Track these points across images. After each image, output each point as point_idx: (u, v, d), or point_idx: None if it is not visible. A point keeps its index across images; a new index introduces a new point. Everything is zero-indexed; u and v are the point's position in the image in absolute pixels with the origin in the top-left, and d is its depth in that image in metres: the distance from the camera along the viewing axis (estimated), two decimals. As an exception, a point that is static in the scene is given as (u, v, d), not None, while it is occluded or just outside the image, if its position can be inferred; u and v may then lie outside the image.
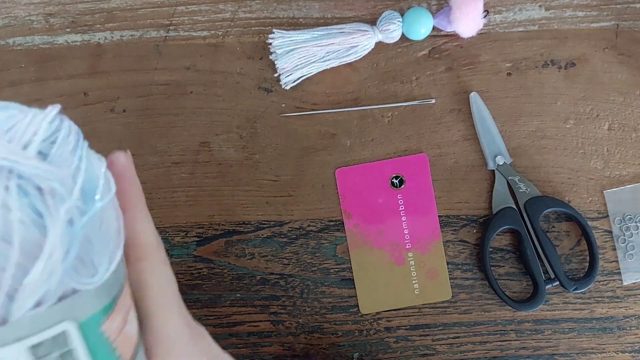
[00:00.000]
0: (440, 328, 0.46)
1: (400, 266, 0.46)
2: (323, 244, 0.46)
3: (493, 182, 0.46)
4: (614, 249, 0.46)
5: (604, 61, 0.46)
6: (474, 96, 0.45)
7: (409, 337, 0.46)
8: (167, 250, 0.46)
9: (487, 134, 0.45)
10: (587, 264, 0.45)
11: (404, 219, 0.46)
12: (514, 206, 0.45)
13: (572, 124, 0.46)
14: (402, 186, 0.46)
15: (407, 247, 0.46)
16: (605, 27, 0.46)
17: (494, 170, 0.46)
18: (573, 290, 0.44)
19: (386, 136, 0.46)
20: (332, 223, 0.46)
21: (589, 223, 0.46)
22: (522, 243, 0.45)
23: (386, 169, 0.46)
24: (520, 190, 0.45)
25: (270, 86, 0.46)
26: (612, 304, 0.46)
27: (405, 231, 0.46)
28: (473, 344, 0.46)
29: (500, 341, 0.46)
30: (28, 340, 0.19)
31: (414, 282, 0.46)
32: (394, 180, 0.46)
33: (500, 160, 0.45)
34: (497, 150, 0.45)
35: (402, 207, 0.46)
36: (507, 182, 0.45)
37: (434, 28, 0.45)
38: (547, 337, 0.46)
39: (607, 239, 0.46)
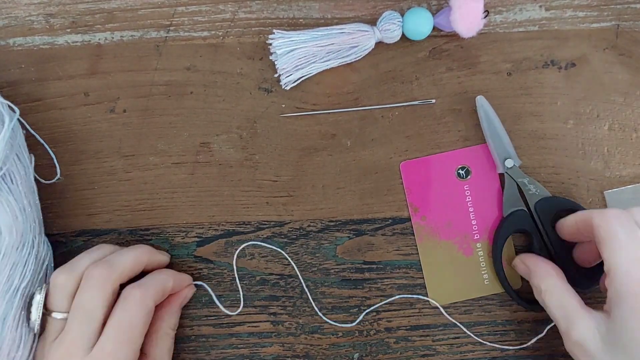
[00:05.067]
0: (440, 328, 0.46)
1: (469, 257, 0.46)
2: (323, 244, 0.46)
3: (503, 185, 0.46)
4: (615, 250, 0.46)
5: (604, 61, 0.46)
6: (480, 100, 0.45)
7: (409, 338, 0.46)
8: (167, 251, 0.46)
9: (495, 137, 0.45)
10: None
11: (471, 209, 0.46)
12: (525, 208, 0.45)
13: (572, 124, 0.46)
14: (469, 177, 0.46)
15: (476, 237, 0.46)
16: (606, 27, 0.46)
17: (503, 173, 0.45)
18: (587, 288, 0.43)
19: (386, 136, 0.46)
20: (332, 223, 0.46)
21: (589, 223, 0.46)
22: (534, 244, 0.44)
23: (451, 160, 0.46)
24: (530, 192, 0.44)
25: (270, 86, 0.46)
26: (612, 304, 0.46)
27: (473, 222, 0.46)
28: (473, 344, 0.46)
29: (500, 342, 0.46)
30: None
31: (483, 272, 0.46)
32: (460, 171, 0.46)
33: (509, 163, 0.44)
34: (506, 154, 0.45)
35: (469, 198, 0.46)
36: (517, 184, 0.45)
37: (434, 28, 0.45)
38: (547, 338, 0.46)
39: (608, 240, 0.46)
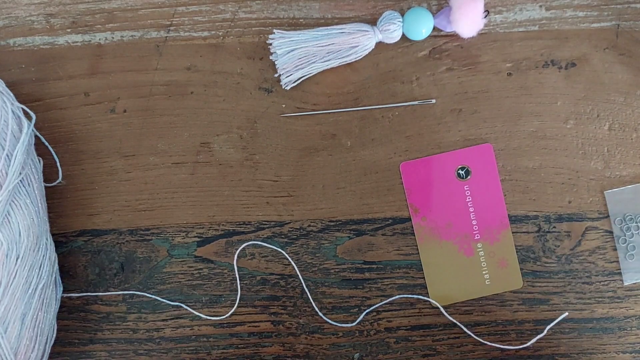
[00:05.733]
0: (440, 328, 0.46)
1: (470, 257, 0.46)
2: (323, 244, 0.46)
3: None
4: (615, 249, 0.46)
5: (604, 61, 0.46)
6: None
7: (410, 338, 0.46)
8: (167, 251, 0.46)
9: None
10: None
11: (471, 209, 0.46)
12: None
13: (573, 124, 0.46)
14: (469, 177, 0.46)
15: (476, 237, 0.46)
16: (606, 27, 0.46)
17: None
18: None
19: (386, 136, 0.46)
20: (332, 223, 0.46)
21: (590, 223, 0.46)
22: None
23: (451, 161, 0.46)
24: None
25: (270, 86, 0.46)
26: (612, 304, 0.46)
27: (474, 222, 0.46)
28: (474, 344, 0.46)
29: (501, 341, 0.46)
30: None
31: (484, 272, 0.46)
32: (460, 171, 0.46)
33: None
34: None
35: (469, 198, 0.46)
36: None
37: (434, 28, 0.45)
38: (548, 338, 0.46)
39: (608, 239, 0.46)
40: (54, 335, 0.43)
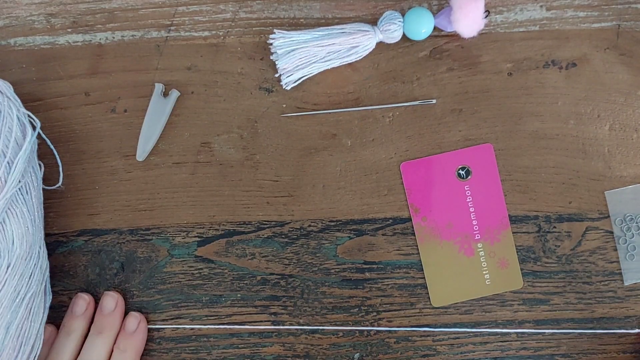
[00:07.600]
0: (440, 328, 0.46)
1: (470, 257, 0.46)
2: (324, 244, 0.46)
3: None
4: (615, 250, 0.46)
5: (605, 61, 0.46)
6: None
7: (410, 338, 0.46)
8: (168, 251, 0.46)
9: None
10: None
11: (472, 209, 0.46)
12: None
13: (573, 124, 0.46)
14: (469, 177, 0.46)
15: (477, 237, 0.46)
16: (607, 27, 0.46)
17: None
18: None
19: (387, 136, 0.46)
20: (332, 223, 0.46)
21: (590, 223, 0.46)
22: None
23: (451, 161, 0.46)
24: None
25: (271, 86, 0.46)
26: (613, 304, 0.46)
27: (474, 222, 0.46)
28: (474, 344, 0.46)
29: (501, 342, 0.46)
30: None
31: (484, 272, 0.46)
32: (460, 171, 0.46)
33: None
34: None
35: (469, 198, 0.46)
36: None
37: (435, 28, 0.45)
38: (548, 338, 0.46)
39: (608, 240, 0.46)
40: (40, 344, 0.42)
